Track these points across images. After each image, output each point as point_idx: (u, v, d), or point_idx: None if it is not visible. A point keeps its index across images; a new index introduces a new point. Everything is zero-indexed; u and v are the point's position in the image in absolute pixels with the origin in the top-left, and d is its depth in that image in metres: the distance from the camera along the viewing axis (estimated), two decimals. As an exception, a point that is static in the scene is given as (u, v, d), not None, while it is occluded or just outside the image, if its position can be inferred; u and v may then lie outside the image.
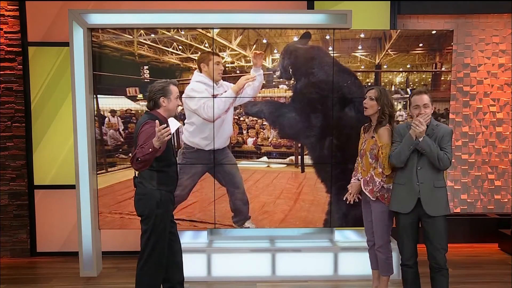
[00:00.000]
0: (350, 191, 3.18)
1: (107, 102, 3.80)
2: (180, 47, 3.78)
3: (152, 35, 3.77)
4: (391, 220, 3.06)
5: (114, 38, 3.74)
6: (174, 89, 2.83)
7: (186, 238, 4.08)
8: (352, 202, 3.20)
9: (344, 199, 3.24)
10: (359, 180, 3.15)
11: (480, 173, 4.96)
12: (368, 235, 3.23)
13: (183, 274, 3.07)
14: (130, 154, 3.65)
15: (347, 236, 4.12)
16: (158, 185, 2.78)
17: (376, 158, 3.00)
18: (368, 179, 3.04)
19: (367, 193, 3.04)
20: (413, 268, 2.95)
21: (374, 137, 3.02)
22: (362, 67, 3.82)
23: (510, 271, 3.99)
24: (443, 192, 2.83)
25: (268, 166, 3.89)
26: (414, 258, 2.94)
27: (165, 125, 2.59)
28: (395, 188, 2.93)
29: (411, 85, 3.86)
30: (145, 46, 3.77)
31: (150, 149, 2.54)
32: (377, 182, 2.98)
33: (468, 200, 4.97)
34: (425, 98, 2.77)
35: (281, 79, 3.79)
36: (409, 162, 2.83)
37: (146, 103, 2.90)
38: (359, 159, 3.16)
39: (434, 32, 3.83)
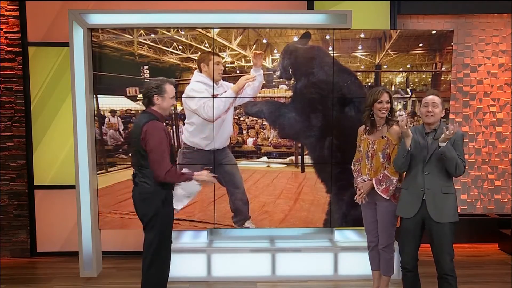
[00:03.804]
0: (362, 191, 3.09)
1: (107, 102, 3.80)
2: (180, 47, 3.78)
3: (152, 35, 3.77)
4: (396, 218, 3.05)
5: (114, 38, 3.74)
6: (169, 88, 2.80)
7: (186, 238, 4.08)
8: (362, 202, 3.12)
9: (355, 199, 3.16)
10: (365, 181, 3.11)
11: (480, 173, 4.96)
12: (370, 236, 3.20)
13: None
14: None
15: (347, 236, 4.12)
16: (162, 184, 2.78)
17: (389, 157, 2.99)
18: (381, 178, 3.01)
19: (379, 192, 3.00)
20: (412, 271, 2.92)
21: (385, 136, 3.00)
22: (362, 67, 3.82)
23: (510, 271, 3.99)
24: (452, 199, 2.78)
25: (268, 166, 3.89)
26: (414, 262, 2.91)
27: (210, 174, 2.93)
28: (401, 193, 2.93)
29: (411, 85, 3.86)
30: (145, 46, 3.77)
31: (187, 180, 2.80)
32: (394, 181, 2.97)
33: (468, 200, 4.97)
34: (436, 98, 2.79)
35: (281, 79, 3.79)
36: (414, 167, 2.81)
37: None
38: (366, 161, 3.09)
39: (434, 32, 3.83)
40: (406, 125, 2.76)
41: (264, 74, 3.78)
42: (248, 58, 3.78)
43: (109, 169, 3.84)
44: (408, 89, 3.85)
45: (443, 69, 3.84)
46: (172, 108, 2.89)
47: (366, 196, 3.10)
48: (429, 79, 3.86)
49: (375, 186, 3.03)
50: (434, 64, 3.85)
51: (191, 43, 3.77)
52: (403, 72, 3.85)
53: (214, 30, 3.73)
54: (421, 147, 2.78)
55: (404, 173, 2.97)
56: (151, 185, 2.77)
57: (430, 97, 2.80)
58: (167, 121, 3.81)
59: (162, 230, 2.80)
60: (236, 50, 3.79)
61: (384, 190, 3.00)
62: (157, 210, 2.78)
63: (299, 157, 3.87)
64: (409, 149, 2.76)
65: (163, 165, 2.68)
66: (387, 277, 3.18)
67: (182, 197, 2.97)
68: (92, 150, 3.77)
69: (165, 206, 2.80)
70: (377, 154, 3.03)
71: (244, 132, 3.85)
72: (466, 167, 4.82)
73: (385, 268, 3.15)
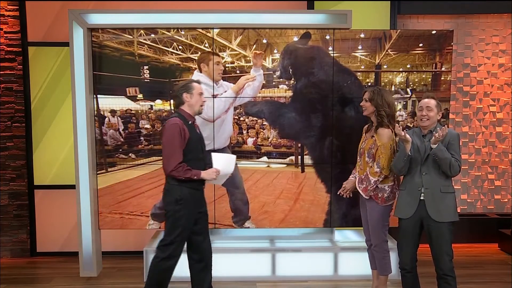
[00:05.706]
0: (344, 187, 3.22)
1: (107, 102, 3.80)
2: (180, 47, 3.78)
3: (152, 35, 3.76)
4: (386, 220, 3.06)
5: (114, 38, 3.74)
6: (196, 86, 2.94)
7: (186, 238, 4.08)
8: (346, 197, 3.23)
9: (338, 193, 3.27)
10: (355, 178, 3.17)
11: (480, 173, 4.96)
12: (366, 234, 3.23)
13: (211, 274, 3.10)
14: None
15: (347, 236, 4.12)
16: (179, 182, 2.82)
17: (374, 157, 3.01)
18: (363, 177, 3.06)
19: (360, 191, 3.07)
20: (411, 272, 2.91)
21: (373, 136, 3.03)
22: (362, 67, 3.82)
23: (510, 271, 3.99)
24: (451, 198, 2.79)
25: (268, 166, 3.89)
26: (413, 263, 2.90)
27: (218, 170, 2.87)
28: (399, 194, 2.94)
29: (411, 85, 3.86)
30: (145, 46, 3.77)
31: (195, 177, 2.81)
32: (372, 181, 2.99)
33: (468, 200, 4.97)
34: (431, 102, 2.80)
35: (281, 79, 3.79)
36: (412, 168, 2.82)
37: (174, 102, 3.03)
38: (358, 158, 3.18)
39: (434, 32, 3.83)
40: (402, 132, 2.77)
41: (264, 74, 3.78)
42: (248, 58, 3.78)
43: (109, 169, 3.84)
44: (408, 89, 3.85)
45: (443, 69, 3.84)
46: (201, 105, 2.96)
47: (351, 193, 3.21)
48: (429, 79, 3.86)
49: (356, 184, 3.11)
50: (434, 64, 3.85)
51: (191, 43, 3.77)
52: (403, 72, 3.85)
53: (214, 30, 3.73)
54: (419, 149, 2.79)
55: (389, 173, 2.98)
56: (169, 181, 2.87)
57: (425, 100, 2.83)
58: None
59: (173, 227, 2.84)
60: (236, 50, 3.79)
61: (363, 189, 3.05)
62: (169, 207, 2.85)
63: (299, 157, 3.87)
64: (409, 153, 2.77)
65: (171, 161, 2.78)
66: (384, 276, 3.17)
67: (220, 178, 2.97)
68: (92, 150, 3.77)
69: (179, 205, 2.82)
70: (364, 153, 3.08)
71: (244, 132, 3.85)
72: (466, 167, 4.90)
73: (379, 267, 3.16)
